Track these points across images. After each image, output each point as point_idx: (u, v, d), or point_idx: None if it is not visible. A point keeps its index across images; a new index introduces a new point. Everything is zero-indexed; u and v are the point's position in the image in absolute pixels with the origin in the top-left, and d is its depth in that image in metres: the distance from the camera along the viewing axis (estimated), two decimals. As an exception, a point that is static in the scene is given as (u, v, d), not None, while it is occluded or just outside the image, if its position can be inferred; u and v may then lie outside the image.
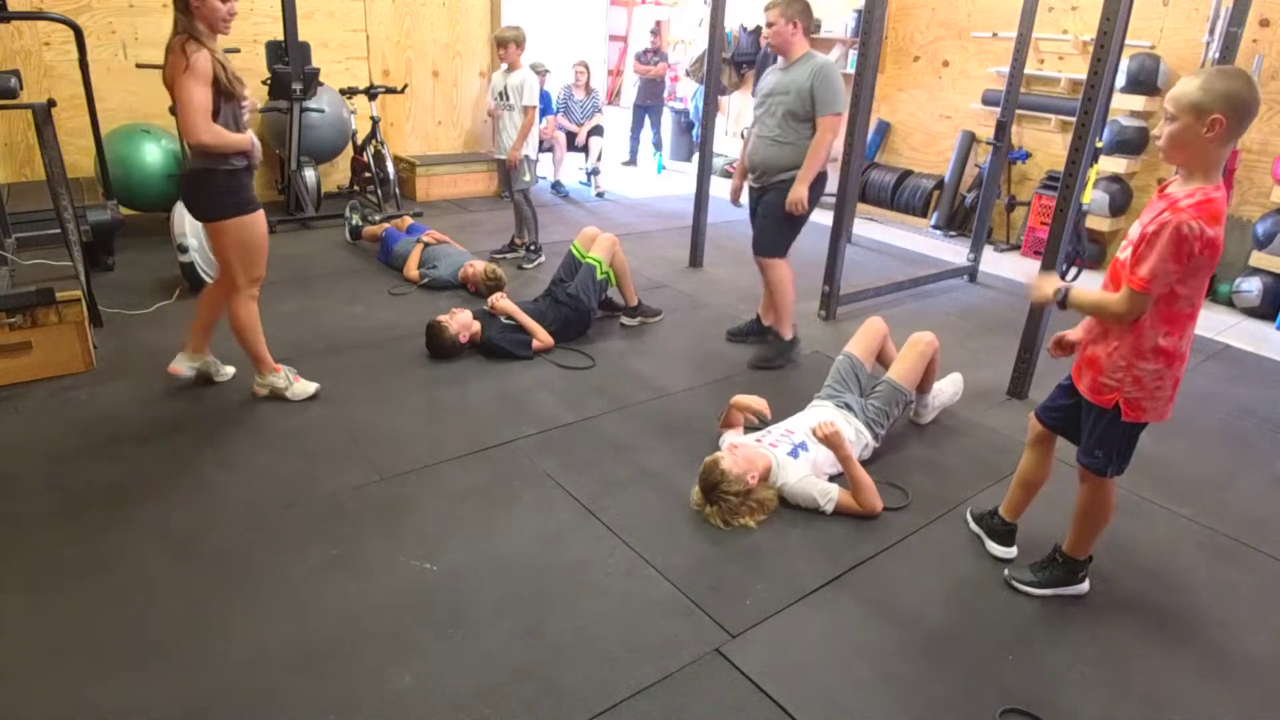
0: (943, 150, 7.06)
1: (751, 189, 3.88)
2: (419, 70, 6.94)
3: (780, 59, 3.63)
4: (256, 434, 3.01)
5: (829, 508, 2.68)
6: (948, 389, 3.45)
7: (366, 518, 2.56)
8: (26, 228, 3.98)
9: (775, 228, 3.75)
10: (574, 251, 4.20)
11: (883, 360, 3.30)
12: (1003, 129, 5.31)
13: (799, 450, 2.77)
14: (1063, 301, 2.13)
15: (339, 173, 6.73)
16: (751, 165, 3.79)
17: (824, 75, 3.48)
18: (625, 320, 4.32)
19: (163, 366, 3.48)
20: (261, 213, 3.01)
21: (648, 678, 1.99)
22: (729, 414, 3.01)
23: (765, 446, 2.77)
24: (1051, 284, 2.16)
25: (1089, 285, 2.23)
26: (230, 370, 3.41)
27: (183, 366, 3.30)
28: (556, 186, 7.67)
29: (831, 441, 2.72)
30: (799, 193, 3.58)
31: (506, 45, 4.95)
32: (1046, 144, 6.39)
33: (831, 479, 2.80)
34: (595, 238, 4.20)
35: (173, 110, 5.14)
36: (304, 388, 3.30)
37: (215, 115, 2.77)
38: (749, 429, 3.01)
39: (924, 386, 3.29)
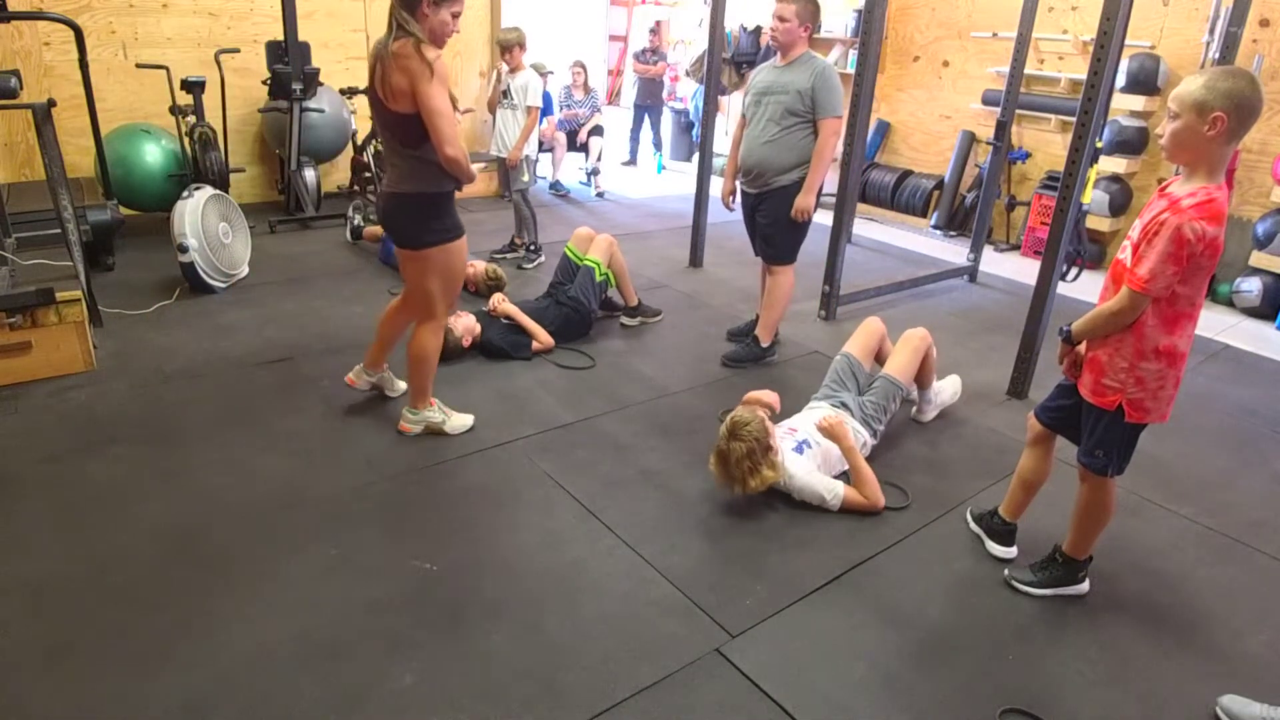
0: (943, 150, 7.05)
1: (745, 193, 3.82)
2: (419, 70, 6.93)
3: (778, 55, 3.63)
4: (257, 434, 3.01)
5: (835, 504, 2.68)
6: (948, 388, 3.46)
7: (366, 518, 2.56)
8: (26, 228, 3.97)
9: (784, 235, 3.72)
10: (569, 254, 4.19)
11: (881, 359, 3.30)
12: (1003, 129, 5.31)
13: (803, 447, 2.78)
14: (1068, 338, 2.17)
15: (339, 173, 6.73)
16: (745, 167, 3.73)
17: (825, 78, 3.47)
18: (625, 320, 4.31)
19: (163, 366, 3.49)
20: (465, 238, 2.83)
21: (648, 678, 1.99)
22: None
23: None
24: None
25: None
26: (403, 385, 3.28)
27: (359, 379, 3.24)
28: (556, 186, 7.67)
29: (835, 432, 2.74)
30: (806, 202, 3.57)
31: (511, 49, 4.95)
32: (1046, 144, 6.39)
33: (837, 478, 2.80)
34: (591, 239, 4.19)
35: (173, 111, 5.20)
36: (462, 420, 3.10)
37: None
38: None
39: (924, 383, 3.30)
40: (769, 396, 2.90)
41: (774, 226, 3.72)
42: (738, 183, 3.87)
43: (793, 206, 3.59)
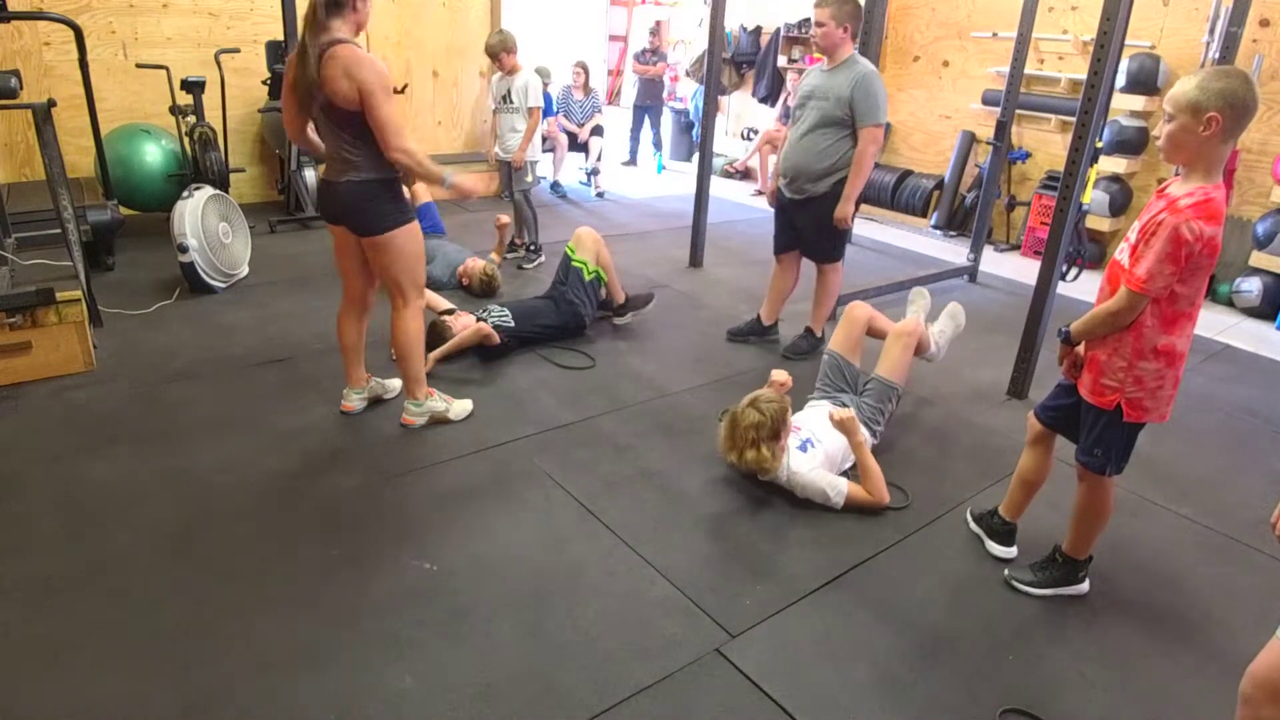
0: (943, 150, 7.06)
1: (782, 193, 3.86)
2: (419, 70, 6.94)
3: (825, 59, 3.64)
4: (257, 434, 3.01)
5: (839, 501, 2.68)
6: (948, 327, 3.49)
7: (366, 518, 2.56)
8: (26, 228, 3.98)
9: (825, 239, 3.82)
10: (569, 253, 4.20)
11: (876, 334, 3.30)
12: (1003, 129, 5.31)
13: (807, 445, 2.79)
14: (1067, 339, 2.18)
15: (339, 173, 6.72)
16: (784, 169, 3.80)
17: (865, 85, 3.46)
18: (616, 320, 4.30)
19: (163, 366, 3.49)
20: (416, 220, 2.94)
21: (648, 678, 1.99)
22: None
23: None
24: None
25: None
26: (396, 384, 3.28)
27: (354, 403, 3.19)
28: (555, 186, 7.67)
29: (846, 426, 2.74)
30: (844, 210, 3.64)
31: (497, 56, 4.96)
32: (1046, 144, 6.39)
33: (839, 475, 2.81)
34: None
35: (173, 111, 5.20)
36: (463, 406, 3.20)
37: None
38: None
39: (923, 347, 3.30)
40: (779, 375, 2.96)
41: (813, 232, 3.82)
42: (780, 183, 3.89)
43: (831, 215, 3.66)
